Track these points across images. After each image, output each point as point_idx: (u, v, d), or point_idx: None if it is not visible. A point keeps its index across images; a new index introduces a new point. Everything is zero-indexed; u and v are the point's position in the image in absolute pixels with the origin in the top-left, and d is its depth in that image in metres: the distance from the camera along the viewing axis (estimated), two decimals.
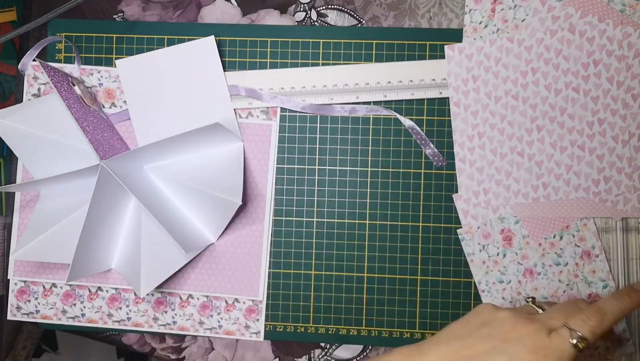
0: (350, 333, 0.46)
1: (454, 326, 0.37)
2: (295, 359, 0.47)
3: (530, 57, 0.42)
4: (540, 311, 0.37)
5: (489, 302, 0.41)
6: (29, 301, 0.47)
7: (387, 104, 0.46)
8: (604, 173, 0.42)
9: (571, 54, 0.41)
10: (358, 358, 0.46)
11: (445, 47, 0.43)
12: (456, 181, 0.45)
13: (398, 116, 0.45)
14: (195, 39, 0.45)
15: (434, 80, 0.45)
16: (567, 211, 0.43)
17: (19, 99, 0.48)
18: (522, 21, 0.42)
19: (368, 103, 0.46)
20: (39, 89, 0.47)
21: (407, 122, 0.45)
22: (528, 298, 0.39)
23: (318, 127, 0.46)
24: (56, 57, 0.47)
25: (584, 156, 0.42)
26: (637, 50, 0.40)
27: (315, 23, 0.47)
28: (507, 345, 0.33)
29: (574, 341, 0.32)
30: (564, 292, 0.44)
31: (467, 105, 0.42)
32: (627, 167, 0.42)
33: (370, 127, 0.46)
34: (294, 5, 0.47)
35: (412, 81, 0.45)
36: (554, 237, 0.44)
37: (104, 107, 0.47)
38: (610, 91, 0.41)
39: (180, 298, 0.46)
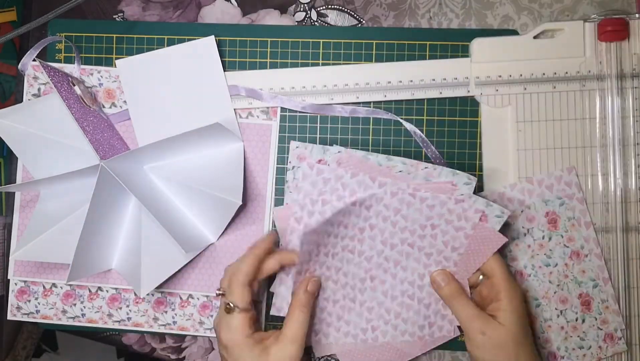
0: None
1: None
2: None
3: (370, 214, 0.42)
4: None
5: None
6: (29, 301, 0.47)
7: (387, 104, 0.46)
8: (429, 320, 0.44)
9: (409, 215, 0.41)
10: None
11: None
12: None
13: (399, 119, 0.45)
14: (195, 39, 0.45)
15: (434, 80, 0.45)
16: (393, 353, 0.44)
17: (19, 99, 0.48)
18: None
19: (368, 103, 0.46)
20: (39, 89, 0.47)
21: (408, 125, 0.45)
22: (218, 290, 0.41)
23: (318, 127, 0.46)
24: (56, 57, 0.47)
25: (412, 305, 0.43)
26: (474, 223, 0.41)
27: (316, 23, 0.47)
28: None
29: (224, 308, 0.39)
30: (554, 293, 0.44)
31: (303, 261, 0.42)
32: (450, 313, 0.43)
33: (371, 127, 0.46)
34: (294, 5, 0.47)
35: (412, 81, 0.45)
36: (543, 238, 0.44)
37: (104, 107, 0.47)
38: (443, 252, 0.42)
39: (181, 298, 0.46)
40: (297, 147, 0.44)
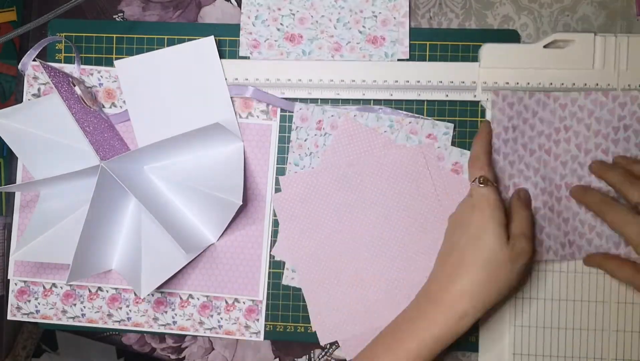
0: None
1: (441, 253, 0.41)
2: (295, 359, 0.47)
3: (564, 114, 0.43)
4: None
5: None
6: (29, 301, 0.47)
7: (389, 103, 0.46)
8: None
9: (602, 117, 0.42)
10: None
11: (491, 93, 0.44)
12: None
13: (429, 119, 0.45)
14: (195, 39, 0.45)
15: (441, 82, 0.44)
16: None
17: (19, 99, 0.48)
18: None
19: (375, 101, 0.46)
20: (39, 89, 0.47)
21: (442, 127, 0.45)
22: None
23: None
24: (56, 57, 0.47)
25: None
26: None
27: None
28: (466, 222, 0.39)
29: (477, 183, 0.39)
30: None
31: (506, 154, 0.43)
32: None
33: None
34: None
35: (419, 81, 0.45)
36: None
37: (104, 107, 0.47)
38: None
39: (181, 298, 0.46)
40: (300, 108, 0.45)
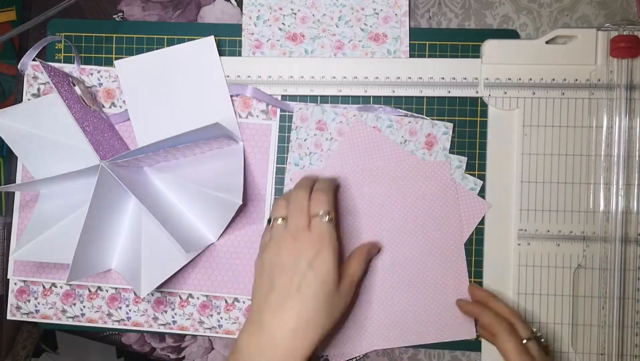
0: None
1: (255, 286, 0.38)
2: None
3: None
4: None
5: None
6: (29, 301, 0.47)
7: (391, 100, 0.46)
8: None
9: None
10: (358, 358, 0.46)
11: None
12: None
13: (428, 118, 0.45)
14: (195, 38, 0.45)
15: (443, 79, 0.45)
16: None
17: (18, 99, 0.48)
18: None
19: (377, 98, 0.46)
20: (38, 89, 0.47)
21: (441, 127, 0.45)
22: (269, 220, 0.40)
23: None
24: (56, 57, 0.47)
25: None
26: None
27: None
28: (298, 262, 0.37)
29: (327, 219, 0.37)
30: None
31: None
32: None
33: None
34: None
35: (421, 78, 0.45)
36: None
37: (103, 107, 0.47)
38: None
39: (180, 297, 0.46)
40: (300, 108, 0.45)
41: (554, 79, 0.44)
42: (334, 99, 0.46)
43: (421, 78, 0.45)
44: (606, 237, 0.44)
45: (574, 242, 0.44)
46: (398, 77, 0.45)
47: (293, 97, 0.46)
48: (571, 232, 0.44)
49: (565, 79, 0.44)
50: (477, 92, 0.45)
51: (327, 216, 0.37)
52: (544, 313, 0.44)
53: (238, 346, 0.37)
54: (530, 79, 0.44)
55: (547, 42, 0.44)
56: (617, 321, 0.44)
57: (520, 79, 0.44)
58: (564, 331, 0.44)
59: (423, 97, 0.46)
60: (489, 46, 0.44)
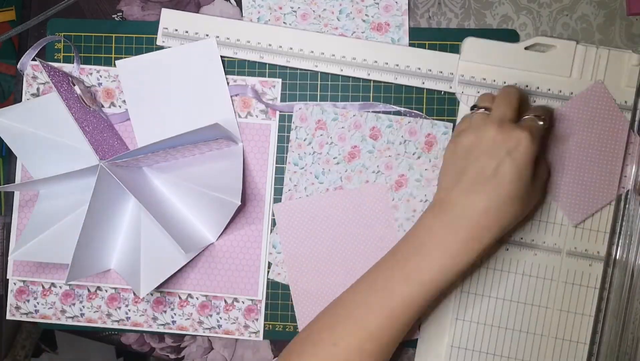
0: None
1: (445, 170, 0.39)
2: None
3: None
4: (487, 112, 0.39)
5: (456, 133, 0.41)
6: (28, 301, 0.47)
7: (367, 82, 0.46)
8: None
9: None
10: None
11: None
12: None
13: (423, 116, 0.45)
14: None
15: (419, 69, 0.45)
16: None
17: (18, 99, 0.48)
18: None
19: (350, 78, 0.46)
20: (38, 89, 0.47)
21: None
22: (472, 107, 0.40)
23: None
24: (55, 57, 0.47)
25: None
26: None
27: None
28: (500, 152, 0.36)
29: (540, 123, 0.38)
30: None
31: None
32: None
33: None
34: None
35: (397, 65, 0.45)
36: None
37: (103, 107, 0.47)
38: None
39: (180, 297, 0.46)
40: (300, 108, 0.45)
41: (527, 86, 0.44)
42: (334, 77, 0.46)
43: (398, 65, 0.45)
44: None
45: None
46: (375, 61, 0.45)
47: (293, 72, 0.46)
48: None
49: (538, 87, 0.44)
50: (450, 87, 0.45)
51: (541, 121, 0.38)
52: None
53: (422, 225, 0.38)
54: (505, 82, 0.44)
55: (526, 48, 0.44)
56: None
57: (494, 81, 0.44)
58: None
59: (401, 85, 0.45)
60: (469, 43, 0.44)
